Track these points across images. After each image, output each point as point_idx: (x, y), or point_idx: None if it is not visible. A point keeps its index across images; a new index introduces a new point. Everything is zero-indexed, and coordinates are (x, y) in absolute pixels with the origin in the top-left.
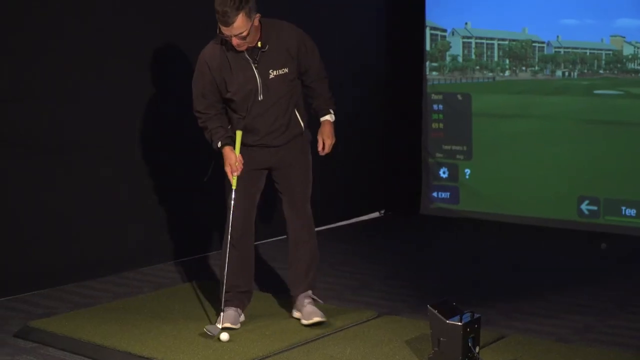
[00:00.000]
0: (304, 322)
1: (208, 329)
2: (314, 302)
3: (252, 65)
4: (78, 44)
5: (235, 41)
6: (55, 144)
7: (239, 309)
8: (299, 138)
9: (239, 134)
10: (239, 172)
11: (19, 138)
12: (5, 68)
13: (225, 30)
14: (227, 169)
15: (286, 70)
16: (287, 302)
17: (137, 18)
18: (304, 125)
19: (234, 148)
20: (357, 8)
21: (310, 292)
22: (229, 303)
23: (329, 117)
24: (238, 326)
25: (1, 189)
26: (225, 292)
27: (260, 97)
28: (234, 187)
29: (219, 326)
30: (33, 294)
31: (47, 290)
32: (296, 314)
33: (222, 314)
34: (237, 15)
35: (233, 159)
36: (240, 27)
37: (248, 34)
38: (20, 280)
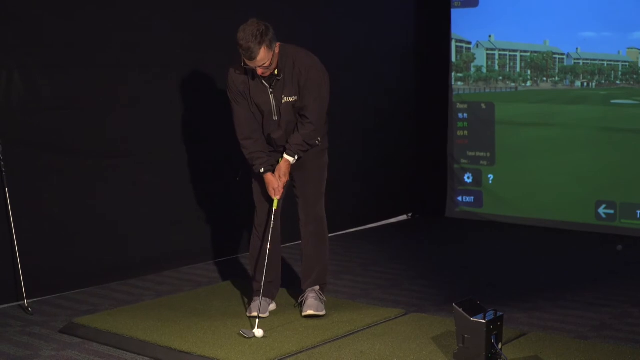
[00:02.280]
0: (302, 313)
1: (244, 332)
2: (317, 297)
3: (269, 90)
4: (120, 54)
5: (260, 71)
6: (100, 150)
7: (268, 299)
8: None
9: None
10: (280, 195)
11: (65, 144)
12: (51, 78)
13: (250, 63)
14: (271, 193)
15: (295, 98)
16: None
17: (174, 31)
18: (320, 136)
19: (274, 172)
20: (389, 24)
21: (317, 287)
22: (258, 293)
23: (290, 158)
24: (267, 314)
25: (50, 192)
26: (255, 282)
27: (275, 118)
28: (275, 208)
29: (253, 333)
30: (78, 291)
31: (92, 288)
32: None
33: (252, 303)
34: (259, 49)
35: (275, 184)
36: (263, 59)
37: (271, 63)
38: (65, 279)
